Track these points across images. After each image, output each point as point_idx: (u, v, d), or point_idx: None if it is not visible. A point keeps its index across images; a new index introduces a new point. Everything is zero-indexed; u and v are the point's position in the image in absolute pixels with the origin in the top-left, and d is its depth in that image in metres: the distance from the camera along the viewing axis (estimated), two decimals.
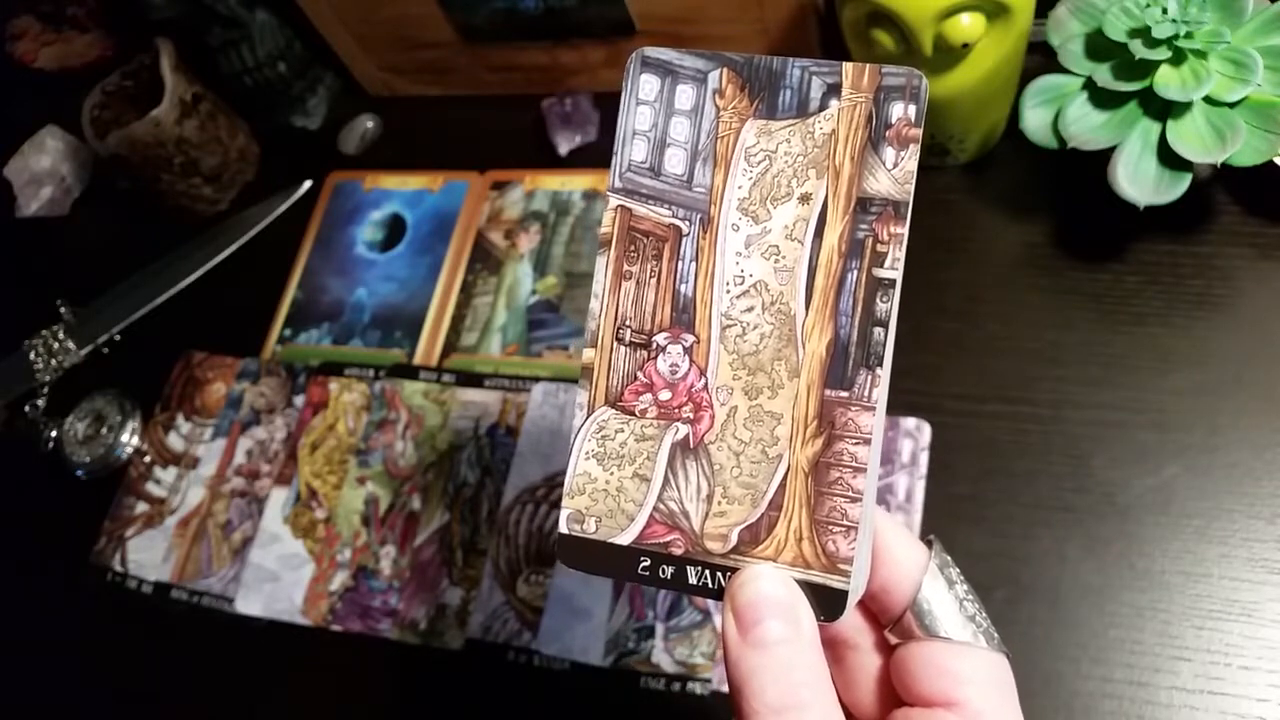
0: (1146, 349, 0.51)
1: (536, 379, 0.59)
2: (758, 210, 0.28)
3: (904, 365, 0.53)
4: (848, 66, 0.27)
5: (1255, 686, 0.43)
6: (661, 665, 0.50)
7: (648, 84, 0.29)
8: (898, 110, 0.27)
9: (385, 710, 0.54)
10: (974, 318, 0.54)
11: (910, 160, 0.27)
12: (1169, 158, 0.47)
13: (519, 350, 0.62)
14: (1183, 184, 0.47)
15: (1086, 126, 0.49)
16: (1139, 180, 0.48)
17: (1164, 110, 0.48)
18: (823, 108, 0.28)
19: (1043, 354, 0.52)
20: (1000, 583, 0.47)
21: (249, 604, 0.58)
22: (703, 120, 0.29)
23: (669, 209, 0.29)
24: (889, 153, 0.27)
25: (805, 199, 0.28)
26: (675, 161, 0.29)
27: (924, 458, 0.51)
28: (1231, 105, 0.46)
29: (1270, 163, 0.47)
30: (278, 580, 0.58)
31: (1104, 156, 0.48)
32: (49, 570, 0.63)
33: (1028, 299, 0.54)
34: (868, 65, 0.27)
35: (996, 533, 0.49)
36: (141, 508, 0.63)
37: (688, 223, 0.29)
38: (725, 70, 0.28)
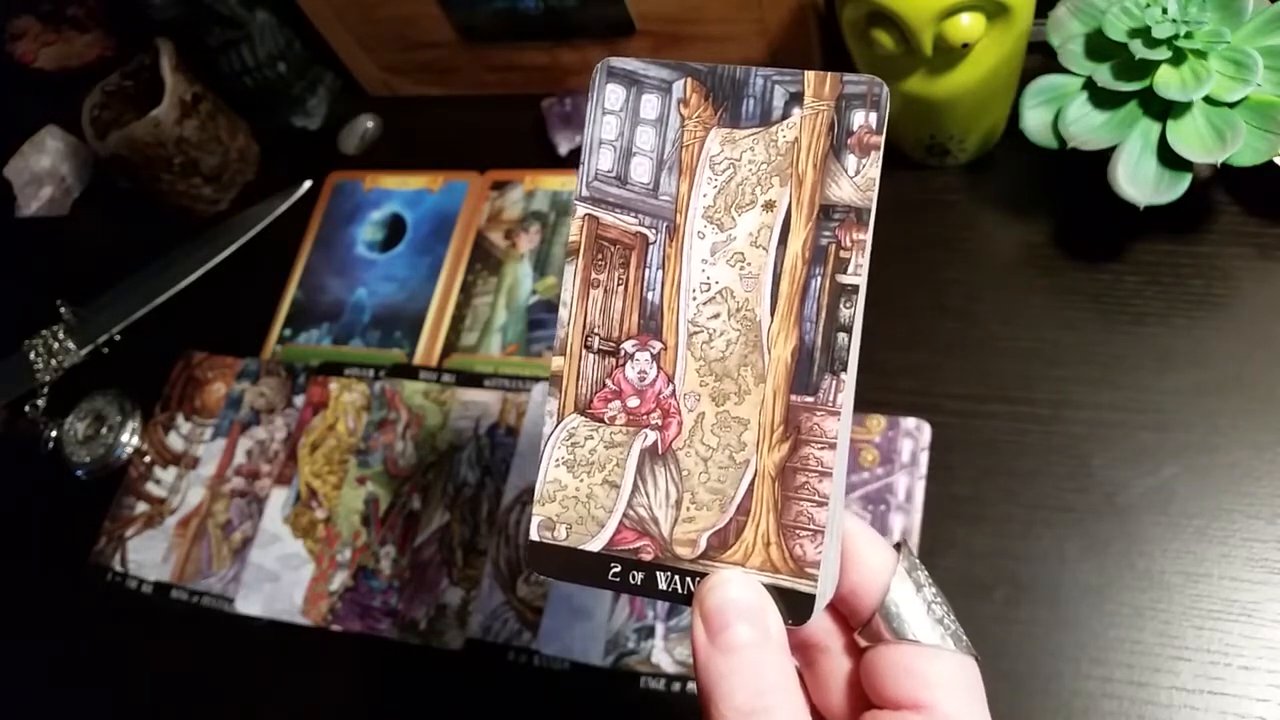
0: (1146, 349, 0.51)
1: (536, 379, 0.59)
2: (723, 218, 0.28)
3: (904, 365, 0.53)
4: (810, 75, 0.28)
5: (1255, 686, 0.43)
6: (661, 665, 0.50)
7: (613, 94, 0.29)
8: (859, 118, 0.27)
9: (385, 710, 0.54)
10: (974, 318, 0.54)
11: (872, 168, 0.27)
12: (1169, 158, 0.47)
13: (519, 350, 0.62)
14: (1183, 184, 0.47)
15: (1086, 126, 0.49)
16: (1139, 180, 0.48)
17: (1164, 110, 0.47)
18: (785, 116, 0.28)
19: (1043, 354, 0.52)
20: (1000, 583, 0.47)
21: (249, 604, 0.58)
22: (668, 129, 0.29)
23: (636, 217, 0.29)
24: (851, 160, 0.27)
25: (769, 206, 0.28)
26: (641, 170, 0.29)
27: (924, 458, 0.51)
28: (1231, 105, 0.46)
29: (1270, 163, 0.46)
30: (278, 580, 0.58)
31: (1104, 156, 0.48)
32: (49, 570, 0.63)
33: (1028, 299, 0.54)
34: (829, 74, 0.28)
35: (996, 533, 0.49)
36: (141, 508, 0.63)
37: (654, 231, 0.29)
38: (689, 80, 0.29)
